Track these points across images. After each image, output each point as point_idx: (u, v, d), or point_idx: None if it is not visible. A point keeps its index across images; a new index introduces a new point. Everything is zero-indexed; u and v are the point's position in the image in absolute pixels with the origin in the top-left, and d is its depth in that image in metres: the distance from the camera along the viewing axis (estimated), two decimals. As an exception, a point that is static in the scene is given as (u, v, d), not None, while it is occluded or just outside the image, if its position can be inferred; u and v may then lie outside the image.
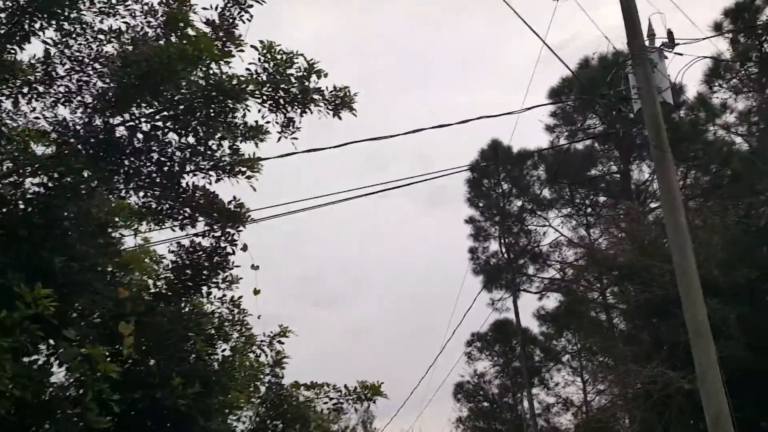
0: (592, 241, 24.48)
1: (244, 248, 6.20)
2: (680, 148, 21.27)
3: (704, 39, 9.09)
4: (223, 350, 6.04)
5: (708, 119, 19.37)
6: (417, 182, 8.72)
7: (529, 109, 9.42)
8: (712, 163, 20.88)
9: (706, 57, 9.61)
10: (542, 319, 29.13)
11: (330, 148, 8.63)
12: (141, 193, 5.71)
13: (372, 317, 48.99)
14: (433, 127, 9.19)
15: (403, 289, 50.02)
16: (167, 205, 5.84)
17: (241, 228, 6.11)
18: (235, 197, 5.99)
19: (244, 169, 5.90)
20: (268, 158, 8.21)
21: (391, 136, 8.69)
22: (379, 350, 47.31)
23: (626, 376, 15.11)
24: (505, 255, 27.53)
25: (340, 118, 6.18)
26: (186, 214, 5.88)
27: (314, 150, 8.35)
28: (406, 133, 8.73)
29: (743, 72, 17.42)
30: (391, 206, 52.58)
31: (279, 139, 6.31)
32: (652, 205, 22.57)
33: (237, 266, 6.20)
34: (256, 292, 6.25)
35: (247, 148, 6.09)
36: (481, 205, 27.60)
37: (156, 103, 5.37)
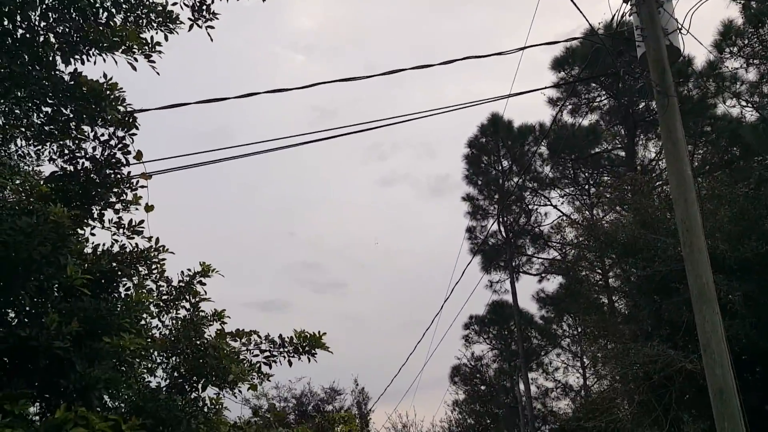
0: (594, 219, 23.51)
1: (138, 156, 5.22)
2: (688, 123, 20.31)
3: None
4: (127, 288, 5.15)
5: (718, 91, 18.28)
6: (367, 129, 7.88)
7: (522, 49, 8.41)
8: (720, 138, 19.85)
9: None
10: (542, 302, 28.34)
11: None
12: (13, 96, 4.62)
13: (374, 303, 48.37)
14: (414, 68, 8.25)
15: (407, 276, 49.33)
16: (48, 111, 4.81)
17: (134, 132, 5.13)
18: (105, 74, 4.97)
19: (125, 43, 4.78)
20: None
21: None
22: (381, 336, 46.69)
23: (625, 356, 14.21)
24: (504, 235, 26.60)
25: (264, -1, 5.25)
26: (69, 117, 4.87)
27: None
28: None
29: (755, 38, 16.29)
30: (394, 194, 51.67)
31: (191, 27, 5.37)
32: (658, 184, 21.62)
33: (142, 186, 5.19)
34: (149, 208, 5.31)
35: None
36: (479, 182, 26.63)
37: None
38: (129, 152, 5.23)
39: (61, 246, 4.28)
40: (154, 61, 5.10)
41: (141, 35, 5.03)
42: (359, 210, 54.77)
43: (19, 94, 4.63)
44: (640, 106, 22.68)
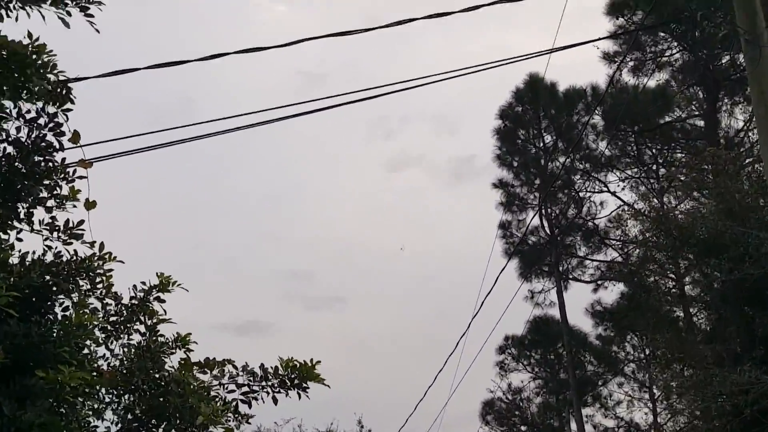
0: (665, 209, 23.54)
1: (75, 139, 5.23)
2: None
3: None
4: (65, 307, 5.20)
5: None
6: (368, 98, 7.89)
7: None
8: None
9: None
10: (598, 317, 28.39)
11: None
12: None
13: (381, 322, 48.55)
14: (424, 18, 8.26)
15: (424, 286, 49.54)
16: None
17: (68, 107, 5.13)
18: (29, 33, 4.95)
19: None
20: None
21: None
22: (391, 364, 46.98)
23: (707, 384, 14.30)
24: (548, 231, 26.64)
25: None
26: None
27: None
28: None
29: None
30: (404, 182, 51.76)
31: None
32: (747, 161, 21.63)
33: (80, 176, 5.20)
34: (90, 205, 5.33)
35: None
36: (515, 164, 26.68)
37: None
38: (63, 133, 5.25)
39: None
40: (92, 15, 5.11)
41: None
42: (361, 203, 55.10)
43: None
44: (724, 61, 22.64)
